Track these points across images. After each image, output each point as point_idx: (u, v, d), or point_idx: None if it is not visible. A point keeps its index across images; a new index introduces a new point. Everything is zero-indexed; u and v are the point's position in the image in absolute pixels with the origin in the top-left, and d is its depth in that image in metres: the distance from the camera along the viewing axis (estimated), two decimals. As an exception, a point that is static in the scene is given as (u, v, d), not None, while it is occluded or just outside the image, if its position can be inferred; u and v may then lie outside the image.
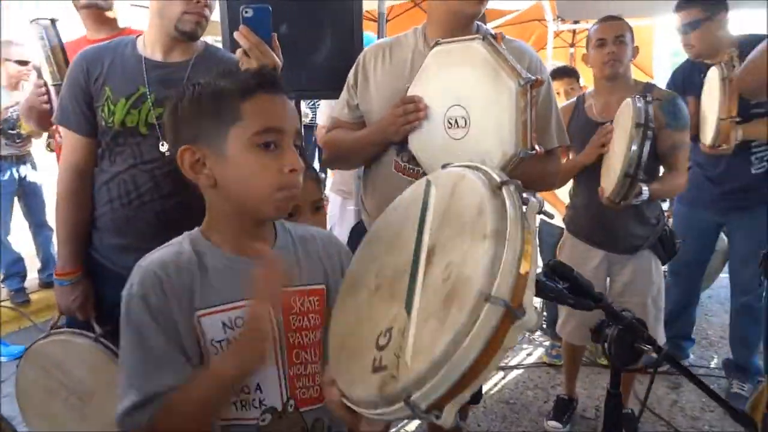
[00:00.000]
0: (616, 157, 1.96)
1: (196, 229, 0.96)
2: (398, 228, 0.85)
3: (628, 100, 1.91)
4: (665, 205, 2.96)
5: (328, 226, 3.11)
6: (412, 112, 1.39)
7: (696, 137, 2.37)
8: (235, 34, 1.29)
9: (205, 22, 1.46)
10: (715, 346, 3.28)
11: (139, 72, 1.45)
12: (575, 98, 2.39)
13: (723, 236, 2.92)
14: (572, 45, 7.71)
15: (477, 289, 0.59)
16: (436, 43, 1.37)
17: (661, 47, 8.07)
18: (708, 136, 2.22)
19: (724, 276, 3.73)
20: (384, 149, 1.56)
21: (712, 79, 2.18)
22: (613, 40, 2.08)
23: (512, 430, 2.47)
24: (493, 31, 1.32)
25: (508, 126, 1.20)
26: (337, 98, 1.73)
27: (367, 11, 2.85)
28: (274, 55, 1.29)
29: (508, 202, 0.66)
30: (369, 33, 2.53)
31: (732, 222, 2.65)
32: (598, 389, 2.79)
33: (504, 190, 0.67)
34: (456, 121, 1.31)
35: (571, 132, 1.79)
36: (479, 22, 1.56)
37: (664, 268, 2.36)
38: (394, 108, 1.43)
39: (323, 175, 3.91)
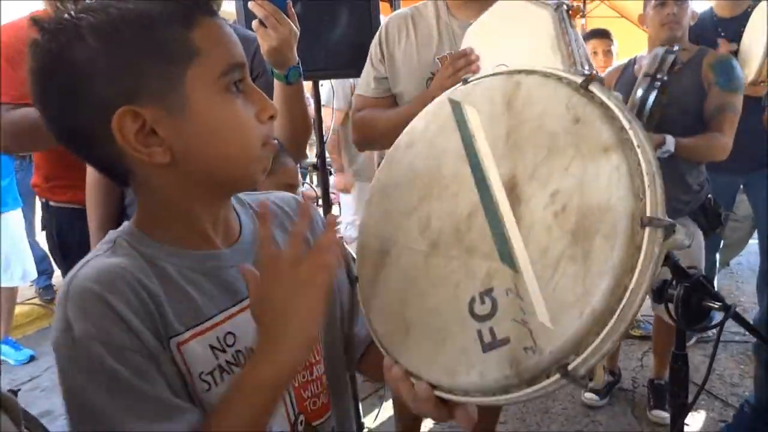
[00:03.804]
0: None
1: (128, 225, 0.68)
2: (432, 167, 0.67)
3: (655, 50, 1.85)
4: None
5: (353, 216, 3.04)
6: (463, 68, 1.31)
7: None
8: (250, 4, 1.26)
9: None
10: (749, 312, 3.21)
11: None
12: (627, 59, 2.32)
13: (747, 202, 2.85)
14: (583, 16, 7.58)
15: (626, 212, 0.48)
16: None
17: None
18: (753, 70, 2.13)
19: (753, 242, 3.67)
20: None
21: (759, 15, 2.11)
22: (675, 1, 2.00)
23: (549, 403, 2.45)
24: (569, 2, 1.22)
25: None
26: (357, 77, 1.70)
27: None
28: (291, 24, 1.26)
29: (609, 101, 0.53)
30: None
31: (753, 182, 2.58)
32: (633, 360, 2.76)
33: (594, 88, 0.55)
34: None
35: (617, 90, 1.74)
36: None
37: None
38: (443, 69, 1.37)
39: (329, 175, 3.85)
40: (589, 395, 2.41)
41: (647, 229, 0.47)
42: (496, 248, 0.57)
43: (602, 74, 2.38)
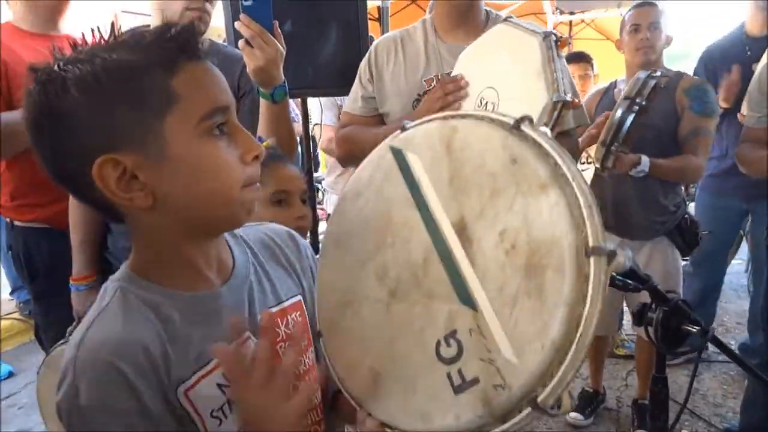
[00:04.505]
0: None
1: (125, 270, 0.69)
2: (381, 215, 0.68)
3: (637, 74, 1.89)
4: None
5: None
6: (452, 92, 1.34)
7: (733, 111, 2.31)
8: (236, 24, 1.27)
9: (207, 17, 1.44)
10: (732, 332, 3.25)
11: None
12: (609, 83, 2.38)
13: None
14: (569, 37, 7.72)
15: (571, 245, 0.50)
16: (506, 19, 1.33)
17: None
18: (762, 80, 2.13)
19: (736, 262, 3.72)
20: None
21: None
22: (648, 26, 2.05)
23: (534, 423, 2.44)
24: (558, 34, 1.26)
25: (537, 86, 1.12)
26: (345, 95, 1.71)
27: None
28: (278, 44, 1.27)
29: (540, 139, 0.55)
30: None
31: (759, 208, 2.62)
32: (617, 380, 2.76)
33: (525, 128, 0.57)
34: (485, 104, 1.28)
35: (598, 114, 1.78)
36: (488, 8, 1.56)
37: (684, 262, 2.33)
38: (433, 91, 1.40)
39: (319, 185, 3.87)
40: (573, 415, 2.41)
41: (592, 258, 0.50)
42: (453, 290, 0.58)
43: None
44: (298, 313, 0.81)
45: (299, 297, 0.82)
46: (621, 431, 2.38)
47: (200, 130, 0.62)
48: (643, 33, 2.06)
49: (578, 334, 0.49)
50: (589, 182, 1.99)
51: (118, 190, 0.61)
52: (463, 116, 0.64)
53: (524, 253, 0.53)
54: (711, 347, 3.10)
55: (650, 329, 0.87)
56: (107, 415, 0.59)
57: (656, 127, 2.02)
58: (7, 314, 3.71)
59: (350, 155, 1.70)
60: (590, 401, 2.47)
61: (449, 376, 0.57)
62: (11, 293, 3.79)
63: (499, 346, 0.53)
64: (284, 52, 1.30)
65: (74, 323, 1.62)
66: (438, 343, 0.58)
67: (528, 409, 0.51)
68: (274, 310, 0.77)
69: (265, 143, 1.31)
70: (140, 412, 0.60)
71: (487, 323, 0.55)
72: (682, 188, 2.18)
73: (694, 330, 0.84)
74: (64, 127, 0.60)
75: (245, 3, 1.26)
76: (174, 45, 0.62)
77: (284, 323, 0.77)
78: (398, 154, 0.68)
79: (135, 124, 0.60)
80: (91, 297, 1.53)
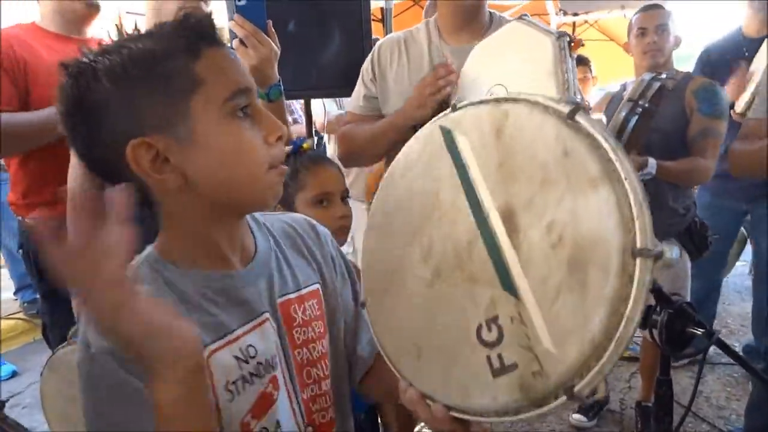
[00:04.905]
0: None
1: (150, 250, 0.72)
2: (428, 193, 0.67)
3: (642, 75, 1.89)
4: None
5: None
6: (443, 77, 1.34)
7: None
8: (230, 24, 1.28)
9: None
10: (735, 334, 3.24)
11: None
12: (619, 85, 2.37)
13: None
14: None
15: (618, 244, 0.50)
16: (521, 17, 1.33)
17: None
18: (743, 100, 2.15)
19: (740, 264, 3.71)
20: (404, 137, 1.54)
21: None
22: (655, 29, 2.05)
23: (537, 425, 2.44)
24: (572, 36, 1.26)
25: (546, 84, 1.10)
26: (348, 96, 1.72)
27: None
28: (272, 43, 1.27)
29: (593, 131, 0.54)
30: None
31: (759, 209, 2.61)
32: (621, 382, 2.76)
33: (580, 117, 0.56)
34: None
35: (608, 117, 1.78)
36: (492, 10, 1.56)
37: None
38: (422, 82, 1.39)
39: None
40: (577, 416, 2.41)
41: (638, 260, 0.49)
42: (497, 276, 0.59)
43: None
44: (315, 300, 0.83)
45: (317, 285, 0.85)
46: (624, 433, 2.38)
47: (224, 111, 0.65)
48: (650, 36, 2.05)
49: (618, 332, 0.50)
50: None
51: (152, 172, 0.64)
52: (516, 100, 0.63)
53: (570, 248, 0.53)
54: (714, 349, 3.10)
55: (655, 331, 0.87)
56: (114, 362, 0.61)
57: (664, 130, 2.01)
58: (12, 314, 3.72)
59: (349, 153, 1.70)
60: (594, 403, 2.47)
61: (489, 359, 0.58)
62: (15, 293, 3.80)
63: (539, 336, 0.54)
64: (278, 52, 1.31)
65: (75, 325, 1.62)
66: (479, 327, 0.59)
67: (564, 398, 0.52)
68: (292, 296, 0.80)
69: (305, 144, 1.32)
70: None
71: (528, 312, 0.55)
72: (693, 191, 2.16)
73: (699, 332, 0.83)
74: (97, 116, 0.63)
75: (239, 3, 1.27)
76: (195, 32, 0.65)
77: (301, 309, 0.81)
78: (447, 134, 0.67)
79: (163, 108, 0.63)
80: None
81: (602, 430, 2.40)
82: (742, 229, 2.87)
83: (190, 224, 0.70)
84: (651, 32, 2.05)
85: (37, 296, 3.75)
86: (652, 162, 1.92)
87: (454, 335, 0.62)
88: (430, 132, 0.71)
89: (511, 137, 0.61)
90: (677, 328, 0.84)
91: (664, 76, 1.82)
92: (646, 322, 0.89)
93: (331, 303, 0.87)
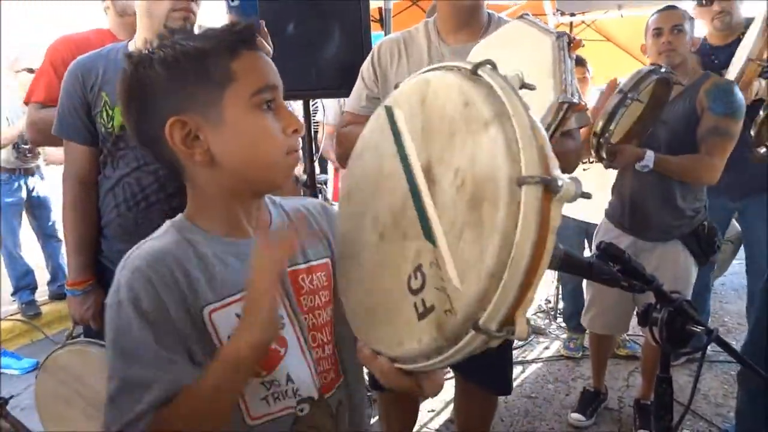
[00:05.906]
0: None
1: (180, 216, 0.85)
2: (376, 169, 0.75)
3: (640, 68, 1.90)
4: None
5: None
6: None
7: None
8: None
9: (193, 17, 1.44)
10: (733, 333, 3.26)
11: None
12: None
13: (734, 223, 2.90)
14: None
15: (505, 176, 0.52)
16: (522, 15, 1.33)
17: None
18: (731, 75, 2.16)
19: (737, 262, 3.73)
20: None
21: (757, 20, 2.15)
22: (670, 30, 2.04)
23: (536, 424, 2.45)
24: (572, 36, 1.26)
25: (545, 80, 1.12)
26: (347, 96, 1.71)
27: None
28: (264, 43, 1.28)
29: (491, 81, 0.58)
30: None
31: (749, 206, 2.63)
32: (619, 380, 2.77)
33: (482, 72, 0.60)
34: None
35: None
36: (490, 11, 1.56)
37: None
38: None
39: (323, 186, 3.88)
40: (575, 416, 2.42)
41: (524, 188, 0.52)
42: (421, 229, 0.64)
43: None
44: (324, 273, 0.92)
45: (327, 260, 0.93)
46: None
47: (252, 103, 0.77)
48: (665, 36, 2.04)
49: (510, 260, 0.51)
50: (614, 180, 1.93)
51: (183, 146, 0.77)
52: (437, 68, 0.68)
53: (470, 189, 0.57)
54: (711, 347, 3.11)
55: (655, 329, 0.87)
56: (134, 312, 0.73)
57: (674, 127, 2.01)
58: (9, 315, 3.71)
59: (347, 153, 1.71)
60: (592, 401, 2.48)
61: (415, 305, 0.62)
62: (13, 294, 3.79)
63: (450, 275, 0.57)
64: (271, 51, 1.31)
65: (73, 327, 1.62)
66: (409, 277, 0.64)
67: (472, 332, 0.54)
68: (302, 266, 0.89)
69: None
70: (162, 317, 0.74)
71: (442, 255, 0.59)
72: (705, 194, 2.13)
73: (699, 330, 0.84)
74: (146, 95, 0.77)
75: (232, 3, 1.28)
76: (237, 37, 0.78)
77: (309, 279, 0.90)
78: (389, 111, 0.74)
79: (201, 95, 0.76)
80: (88, 301, 1.54)
81: (600, 429, 2.41)
82: (739, 228, 2.89)
83: (213, 195, 0.82)
84: (666, 33, 2.04)
85: (35, 297, 3.77)
86: (649, 154, 1.93)
87: (394, 290, 0.66)
88: (378, 114, 0.78)
89: (430, 102, 0.66)
90: (677, 326, 0.85)
91: (663, 70, 1.83)
92: (646, 320, 0.90)
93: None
